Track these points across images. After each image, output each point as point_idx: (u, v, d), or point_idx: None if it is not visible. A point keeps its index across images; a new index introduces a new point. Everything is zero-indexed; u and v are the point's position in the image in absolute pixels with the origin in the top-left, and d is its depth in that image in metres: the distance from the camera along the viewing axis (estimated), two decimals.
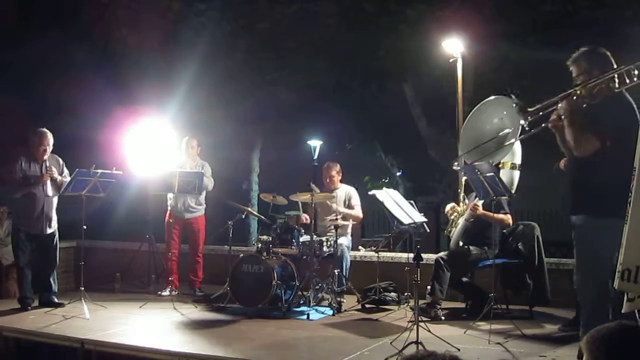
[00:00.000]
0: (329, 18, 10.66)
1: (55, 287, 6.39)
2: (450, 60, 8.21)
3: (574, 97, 3.70)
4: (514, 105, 3.88)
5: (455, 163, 5.02)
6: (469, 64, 9.26)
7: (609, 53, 3.79)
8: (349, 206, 6.91)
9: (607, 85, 3.64)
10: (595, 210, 3.68)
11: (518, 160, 5.54)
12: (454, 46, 8.07)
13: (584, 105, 3.70)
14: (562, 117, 3.72)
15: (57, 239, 6.40)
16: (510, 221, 5.72)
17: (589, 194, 3.72)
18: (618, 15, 9.29)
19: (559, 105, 3.75)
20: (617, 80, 3.64)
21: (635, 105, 3.70)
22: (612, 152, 3.59)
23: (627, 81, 3.62)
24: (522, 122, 3.92)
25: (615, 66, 3.73)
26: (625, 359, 1.64)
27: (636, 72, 3.58)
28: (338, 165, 7.04)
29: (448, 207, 6.17)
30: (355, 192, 7.03)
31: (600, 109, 3.65)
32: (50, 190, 6.22)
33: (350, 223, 6.94)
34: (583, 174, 3.77)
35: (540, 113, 3.89)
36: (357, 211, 6.94)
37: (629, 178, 3.58)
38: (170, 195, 7.15)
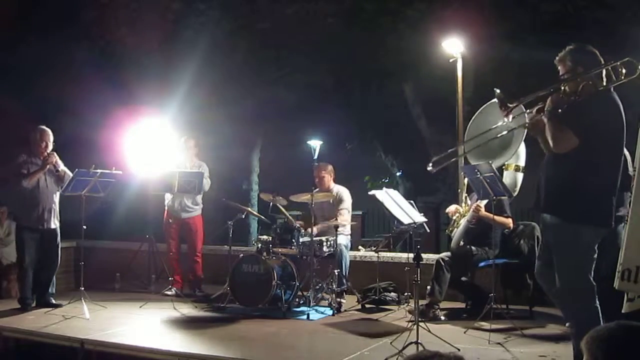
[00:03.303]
0: (329, 18, 10.66)
1: (53, 289, 6.39)
2: (450, 60, 8.21)
3: (560, 94, 3.66)
4: (496, 99, 3.81)
5: (430, 165, 4.79)
6: (469, 64, 9.26)
7: (596, 51, 3.70)
8: (337, 210, 6.71)
9: (592, 83, 3.60)
10: (567, 213, 3.61)
11: (522, 162, 5.53)
12: (454, 46, 8.07)
13: (568, 102, 3.65)
14: (544, 112, 3.66)
15: (60, 238, 6.40)
16: (512, 224, 5.71)
17: (562, 196, 3.64)
18: (618, 15, 9.29)
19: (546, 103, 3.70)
20: (604, 78, 3.60)
21: (621, 105, 3.62)
22: (591, 152, 3.51)
23: (614, 78, 3.58)
24: (504, 118, 3.87)
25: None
26: (625, 359, 1.64)
27: (623, 70, 3.55)
28: (329, 166, 6.93)
29: (451, 208, 6.16)
30: (347, 195, 6.80)
31: (583, 107, 3.58)
32: (52, 184, 6.24)
33: (348, 224, 6.92)
34: (558, 173, 3.68)
35: (528, 110, 3.85)
36: (341, 218, 6.62)
37: (607, 180, 3.57)
38: (167, 195, 7.17)
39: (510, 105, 3.71)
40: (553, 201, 3.71)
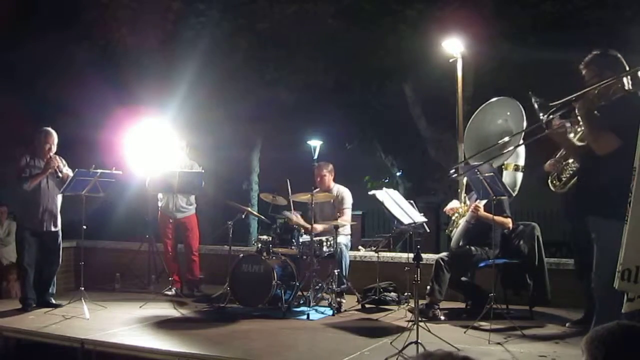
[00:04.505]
0: (329, 18, 10.66)
1: (53, 289, 6.39)
2: (450, 60, 8.20)
3: (590, 97, 3.72)
4: (535, 102, 3.90)
5: (452, 171, 4.97)
6: (469, 64, 9.25)
7: (619, 55, 3.84)
8: (339, 209, 6.75)
9: (622, 85, 3.67)
10: (609, 211, 3.63)
11: (521, 162, 5.54)
12: (454, 46, 8.05)
13: (600, 104, 3.72)
14: (579, 117, 3.74)
15: (61, 239, 6.40)
16: (511, 224, 5.71)
17: (604, 195, 3.69)
18: (618, 15, 9.29)
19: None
20: (630, 81, 3.68)
21: None
22: (626, 149, 3.57)
23: None
24: (542, 117, 3.94)
25: (627, 67, 3.77)
26: (624, 359, 1.64)
27: None
28: (330, 165, 6.93)
29: (450, 205, 6.16)
30: (348, 194, 6.83)
31: (618, 107, 3.68)
32: (54, 187, 6.23)
33: (349, 224, 6.92)
34: (599, 174, 3.75)
35: (559, 112, 3.92)
36: (344, 217, 6.65)
37: None
38: (160, 196, 7.17)
39: (552, 104, 3.81)
40: (594, 201, 3.78)
